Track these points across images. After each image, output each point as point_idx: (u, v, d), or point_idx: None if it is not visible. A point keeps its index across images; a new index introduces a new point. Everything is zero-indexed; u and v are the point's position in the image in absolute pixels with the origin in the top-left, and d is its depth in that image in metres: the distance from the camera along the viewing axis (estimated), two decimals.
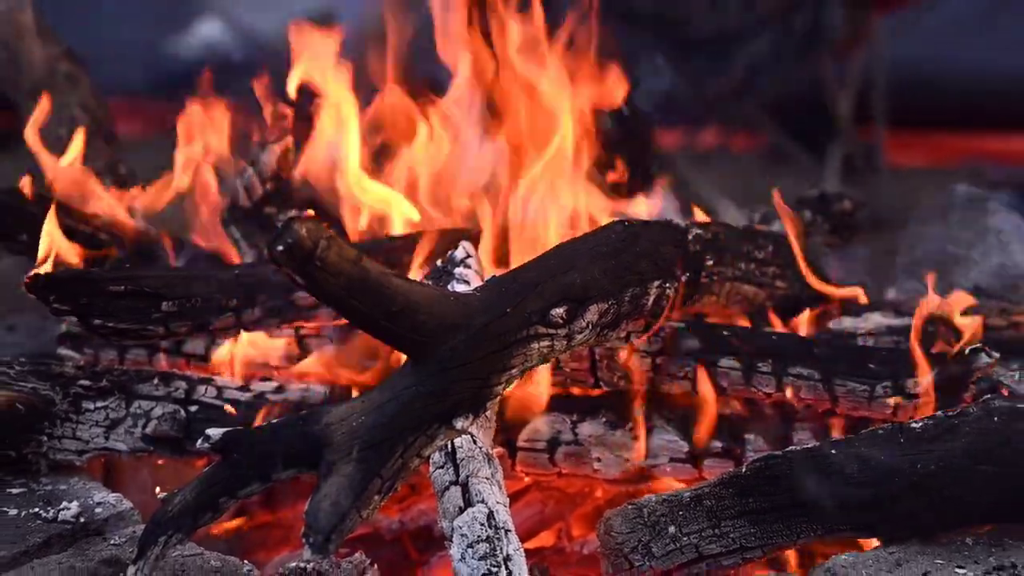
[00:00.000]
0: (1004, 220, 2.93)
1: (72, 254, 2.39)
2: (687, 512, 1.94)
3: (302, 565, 1.96)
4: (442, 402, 1.78)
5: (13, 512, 2.07)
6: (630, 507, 1.96)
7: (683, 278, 2.14)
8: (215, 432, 1.78)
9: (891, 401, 2.13)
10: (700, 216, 2.55)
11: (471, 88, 2.52)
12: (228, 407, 2.25)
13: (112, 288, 2.24)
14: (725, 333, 2.23)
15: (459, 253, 2.21)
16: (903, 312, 2.46)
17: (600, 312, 1.94)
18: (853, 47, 6.12)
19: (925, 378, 2.12)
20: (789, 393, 2.17)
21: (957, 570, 1.85)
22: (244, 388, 2.29)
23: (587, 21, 2.46)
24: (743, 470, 1.97)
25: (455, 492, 1.84)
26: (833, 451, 1.98)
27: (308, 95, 2.61)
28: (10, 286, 2.45)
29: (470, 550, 1.76)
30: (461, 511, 1.81)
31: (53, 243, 2.36)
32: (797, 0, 5.56)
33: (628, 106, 2.60)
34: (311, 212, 2.45)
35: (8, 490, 2.15)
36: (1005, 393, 2.14)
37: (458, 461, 1.87)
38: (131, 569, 1.81)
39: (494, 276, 1.94)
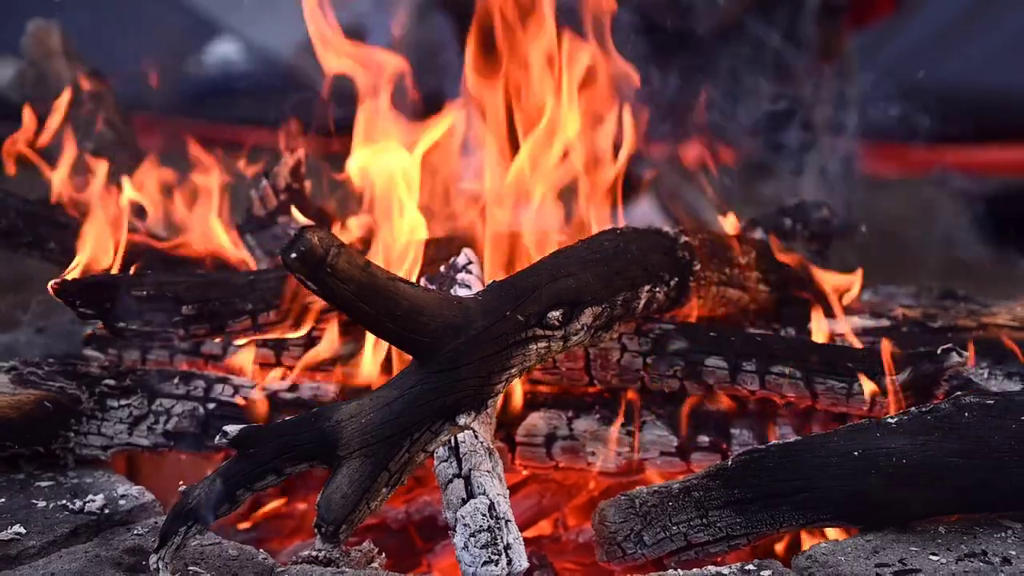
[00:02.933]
0: None
1: (106, 260, 2.39)
2: (676, 503, 1.93)
3: (314, 553, 1.95)
4: (446, 400, 1.77)
5: (42, 504, 2.06)
6: (623, 498, 1.95)
7: (672, 283, 2.13)
8: (232, 428, 1.77)
9: (867, 397, 2.12)
10: (687, 224, 2.53)
11: (471, 98, 2.49)
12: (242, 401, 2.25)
13: (135, 293, 2.23)
14: (712, 334, 2.22)
15: (461, 259, 2.20)
16: (879, 314, 2.45)
17: (594, 315, 1.94)
18: (828, 61, 6.11)
19: (900, 376, 2.11)
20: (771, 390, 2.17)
21: (931, 557, 1.84)
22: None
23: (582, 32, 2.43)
24: (729, 463, 1.96)
25: (458, 484, 1.84)
26: (813, 445, 1.97)
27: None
28: (39, 291, 2.44)
29: (473, 539, 1.76)
30: (464, 502, 1.81)
31: (88, 251, 2.36)
32: (773, 15, 5.54)
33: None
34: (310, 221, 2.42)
35: (37, 483, 2.14)
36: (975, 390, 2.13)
37: (461, 455, 1.86)
38: (153, 557, 1.80)
39: (494, 281, 1.93)
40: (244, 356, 2.36)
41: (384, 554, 2.00)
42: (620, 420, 2.19)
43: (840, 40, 5.97)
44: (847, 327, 2.35)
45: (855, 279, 2.51)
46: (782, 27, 5.57)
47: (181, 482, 1.83)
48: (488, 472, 1.86)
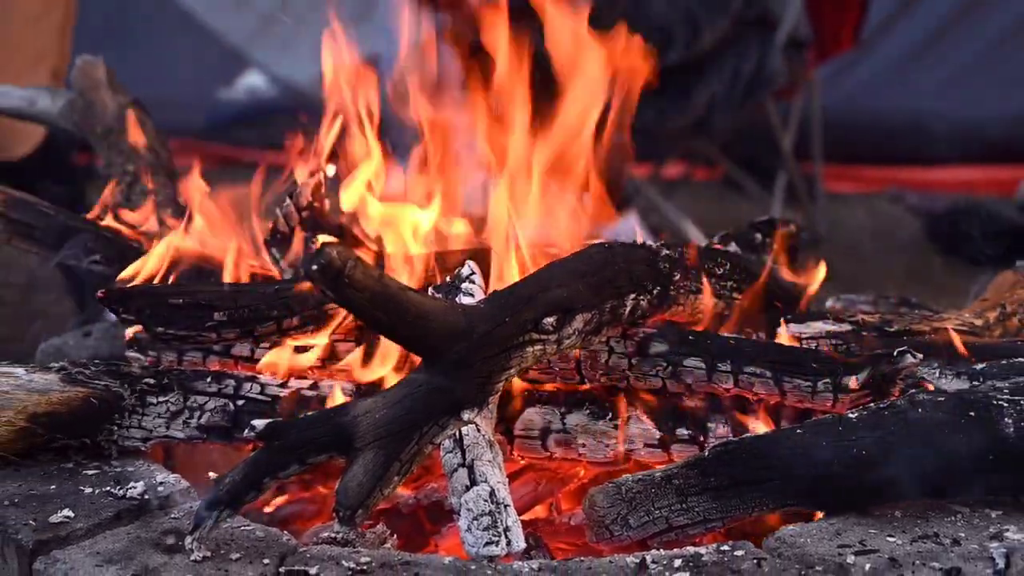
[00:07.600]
0: None
1: (154, 271, 2.40)
2: (659, 489, 1.93)
3: (333, 535, 1.95)
4: (451, 397, 1.78)
5: (88, 490, 2.06)
6: (610, 485, 1.95)
7: (654, 291, 2.13)
8: (260, 422, 1.78)
9: (830, 395, 2.11)
10: (668, 237, 2.52)
11: (469, 112, 2.48)
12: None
13: (172, 301, 2.23)
14: (690, 337, 2.22)
15: (465, 271, 2.20)
16: (841, 319, 2.45)
17: (585, 321, 1.94)
18: (794, 90, 6.12)
19: (860, 375, 2.11)
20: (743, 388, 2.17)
21: (888, 538, 1.84)
22: (284, 385, 2.28)
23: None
24: (706, 454, 1.96)
25: (462, 473, 1.84)
26: (781, 438, 1.97)
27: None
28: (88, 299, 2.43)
29: (475, 522, 1.76)
30: (468, 489, 1.81)
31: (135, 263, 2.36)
32: (744, 49, 5.54)
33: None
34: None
35: (84, 472, 2.14)
36: (928, 388, 2.13)
37: (465, 447, 1.86)
38: (188, 539, 1.81)
39: (495, 291, 1.93)
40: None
41: (396, 535, 2.00)
42: (608, 415, 2.19)
43: (805, 71, 5.95)
44: (811, 331, 2.34)
45: (816, 275, 2.50)
46: (753, 60, 5.56)
47: (213, 471, 1.83)
48: (489, 462, 1.86)
